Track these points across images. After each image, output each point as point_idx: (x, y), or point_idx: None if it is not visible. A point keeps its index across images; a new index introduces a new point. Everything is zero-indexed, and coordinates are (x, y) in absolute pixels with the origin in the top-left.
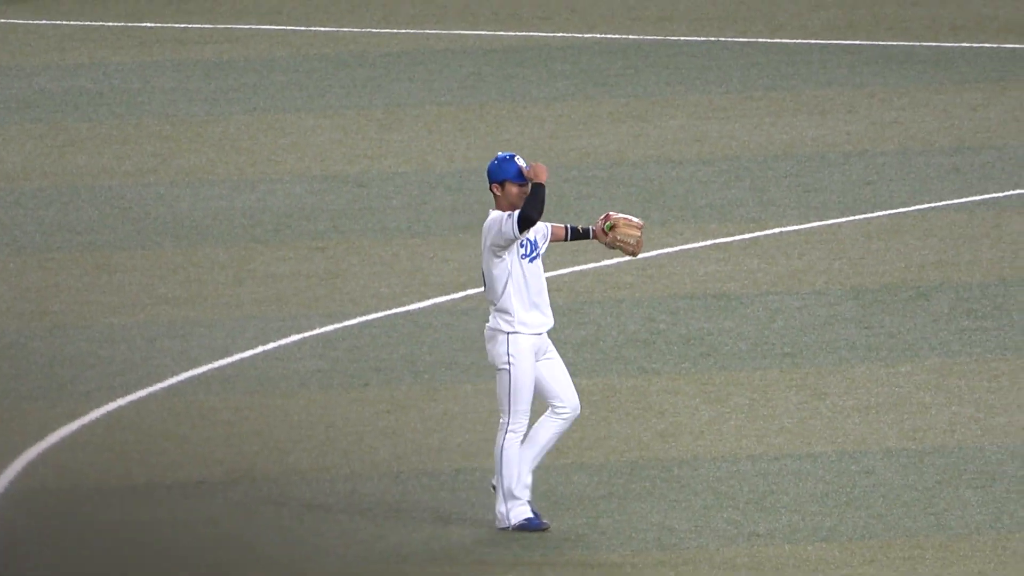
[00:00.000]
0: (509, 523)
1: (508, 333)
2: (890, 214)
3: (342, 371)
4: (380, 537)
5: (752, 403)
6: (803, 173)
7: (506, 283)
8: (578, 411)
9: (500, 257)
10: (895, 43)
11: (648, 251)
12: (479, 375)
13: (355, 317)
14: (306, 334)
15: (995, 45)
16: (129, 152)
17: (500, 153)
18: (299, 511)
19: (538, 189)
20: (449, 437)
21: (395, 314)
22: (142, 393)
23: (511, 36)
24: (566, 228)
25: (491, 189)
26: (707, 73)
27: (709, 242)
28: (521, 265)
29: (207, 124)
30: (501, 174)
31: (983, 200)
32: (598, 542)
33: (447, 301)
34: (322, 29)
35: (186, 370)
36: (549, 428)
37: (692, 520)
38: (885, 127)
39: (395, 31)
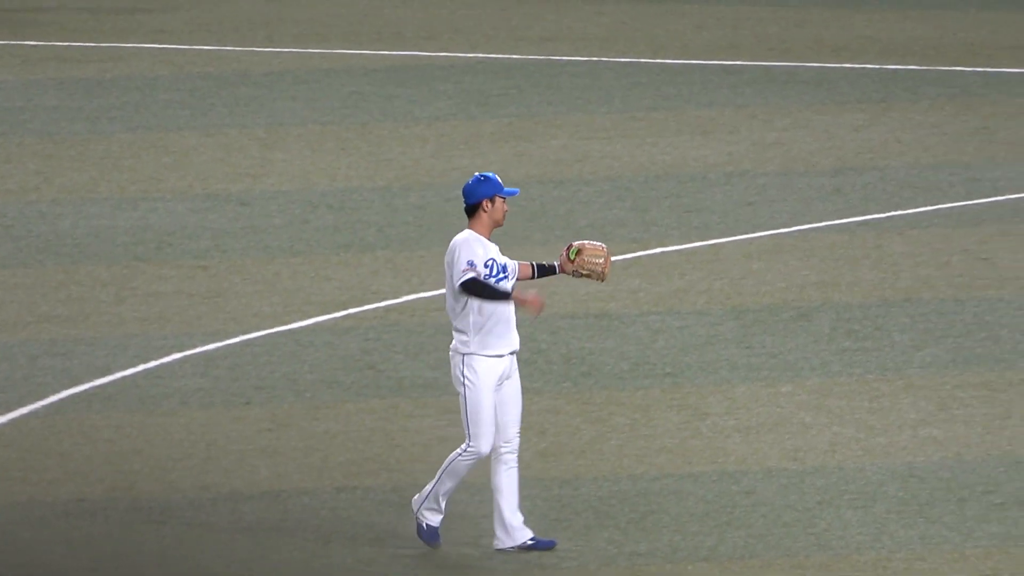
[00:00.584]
0: (423, 520)
1: (464, 354)
2: (771, 234)
3: (223, 389)
4: (261, 556)
5: (633, 423)
6: (685, 193)
7: (465, 304)
8: (517, 445)
9: (500, 261)
10: (777, 64)
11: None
12: (360, 394)
13: (237, 336)
14: (188, 352)
15: (877, 66)
16: (11, 170)
17: (478, 174)
18: (180, 530)
19: (502, 295)
20: (330, 456)
21: (277, 333)
22: (23, 411)
23: (393, 55)
24: (532, 266)
25: (480, 205)
26: (589, 93)
27: None
28: None
29: (89, 142)
30: (494, 188)
31: (864, 221)
32: (479, 561)
33: (328, 320)
34: (205, 48)
35: (67, 388)
36: (508, 477)
37: (573, 540)
38: (767, 148)
39: (278, 50)
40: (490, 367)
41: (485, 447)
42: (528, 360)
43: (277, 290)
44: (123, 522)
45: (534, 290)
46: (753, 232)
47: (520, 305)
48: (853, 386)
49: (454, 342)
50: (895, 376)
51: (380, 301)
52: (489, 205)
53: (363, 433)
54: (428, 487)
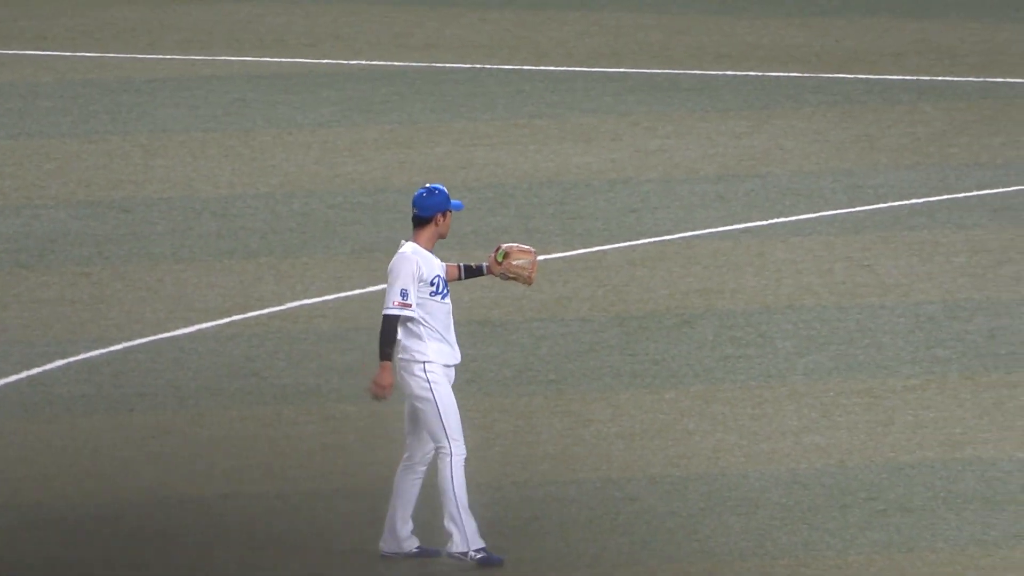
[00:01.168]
0: (469, 547)
1: (424, 362)
2: (654, 241)
3: (107, 396)
4: (145, 563)
5: (516, 429)
6: (568, 200)
7: (415, 322)
8: (430, 459)
9: (431, 287)
10: (660, 71)
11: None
12: (243, 401)
13: (120, 343)
14: (71, 359)
15: (759, 74)
16: None
17: (432, 185)
18: (63, 537)
19: (386, 355)
20: (215, 463)
21: (160, 339)
22: None
23: (276, 62)
24: (459, 267)
25: (433, 218)
26: (473, 100)
27: None
28: (432, 301)
29: None
30: (447, 202)
31: (747, 228)
32: (362, 569)
33: (212, 327)
34: (87, 55)
35: None
36: (413, 486)
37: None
38: (650, 155)
39: (160, 57)
40: (446, 374)
41: (463, 442)
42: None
43: (160, 297)
44: (6, 529)
45: (390, 379)
46: (636, 239)
47: (376, 377)
48: (736, 393)
49: (406, 354)
50: (778, 383)
51: (263, 308)
52: (441, 219)
53: (247, 440)
54: (458, 523)
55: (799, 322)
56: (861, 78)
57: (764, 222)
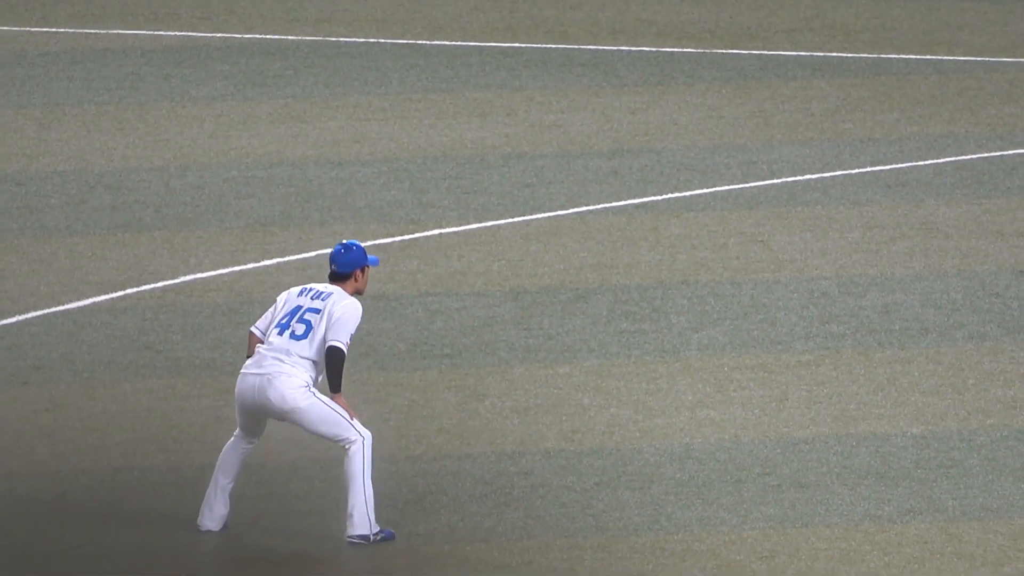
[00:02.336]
0: (372, 532)
1: (307, 384)
2: (549, 216)
3: (0, 369)
4: (38, 537)
5: (411, 404)
6: (462, 175)
7: (323, 350)
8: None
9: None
10: (554, 46)
11: (307, 252)
12: (137, 374)
13: (13, 315)
14: None
15: (654, 49)
16: None
17: (348, 241)
18: None
19: (336, 385)
20: (108, 436)
21: (53, 313)
22: None
23: (170, 36)
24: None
25: (352, 274)
26: (367, 74)
27: (368, 243)
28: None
29: None
30: (365, 260)
31: (641, 203)
32: (257, 540)
33: (105, 300)
34: None
35: None
36: (240, 464)
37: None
38: (544, 130)
39: (54, 30)
40: None
41: (364, 430)
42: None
43: (54, 270)
44: None
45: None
46: (531, 214)
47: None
48: (631, 368)
49: (293, 368)
50: (672, 358)
51: (157, 281)
52: (360, 274)
53: (140, 413)
54: (362, 506)
55: (693, 297)
56: (755, 54)
57: (658, 197)
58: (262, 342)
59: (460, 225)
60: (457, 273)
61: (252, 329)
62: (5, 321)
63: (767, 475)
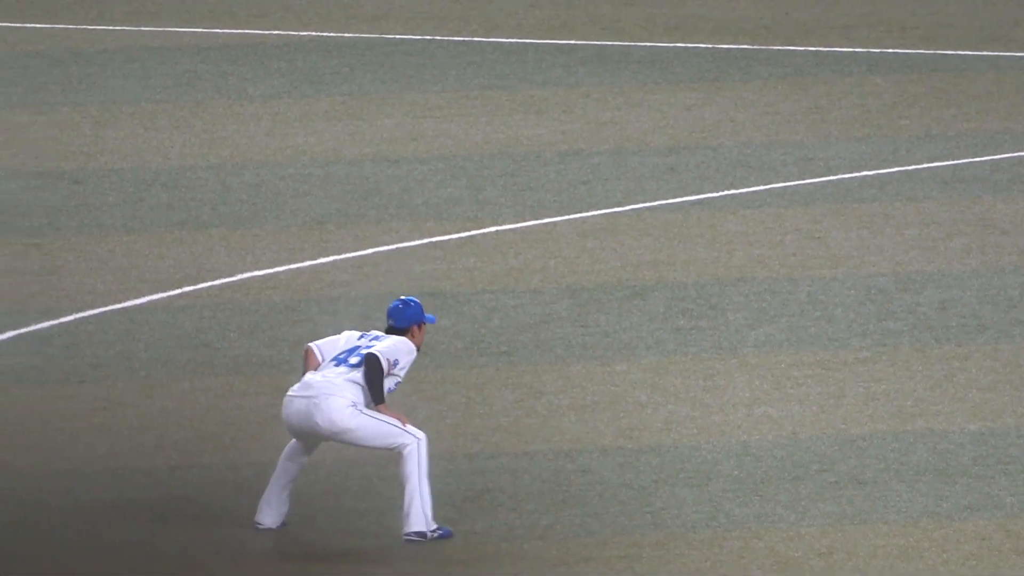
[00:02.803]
0: (429, 530)
1: (354, 404)
2: (605, 213)
3: (58, 368)
4: (96, 535)
5: (468, 401)
6: (519, 172)
7: (386, 389)
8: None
9: (399, 377)
10: (610, 43)
11: (364, 250)
12: (195, 372)
13: (71, 314)
14: (22, 330)
15: (709, 46)
16: None
17: (407, 297)
18: (13, 508)
19: (379, 395)
20: (165, 434)
21: (111, 311)
22: None
23: (227, 34)
24: None
25: (409, 329)
26: (423, 72)
27: (425, 240)
28: (389, 379)
29: None
30: (422, 316)
31: (698, 200)
32: (314, 539)
33: (163, 298)
34: (37, 26)
35: None
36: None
37: None
38: (601, 127)
39: (110, 28)
40: None
41: (418, 432)
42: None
43: (111, 268)
44: None
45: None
46: (588, 211)
47: (391, 419)
48: (688, 365)
49: (340, 389)
50: (730, 355)
51: (214, 279)
52: (416, 330)
53: (198, 411)
54: (418, 503)
55: (750, 294)
56: (811, 50)
57: (715, 194)
58: (316, 363)
59: (517, 222)
60: (514, 270)
61: (311, 346)
62: (63, 319)
63: (825, 472)
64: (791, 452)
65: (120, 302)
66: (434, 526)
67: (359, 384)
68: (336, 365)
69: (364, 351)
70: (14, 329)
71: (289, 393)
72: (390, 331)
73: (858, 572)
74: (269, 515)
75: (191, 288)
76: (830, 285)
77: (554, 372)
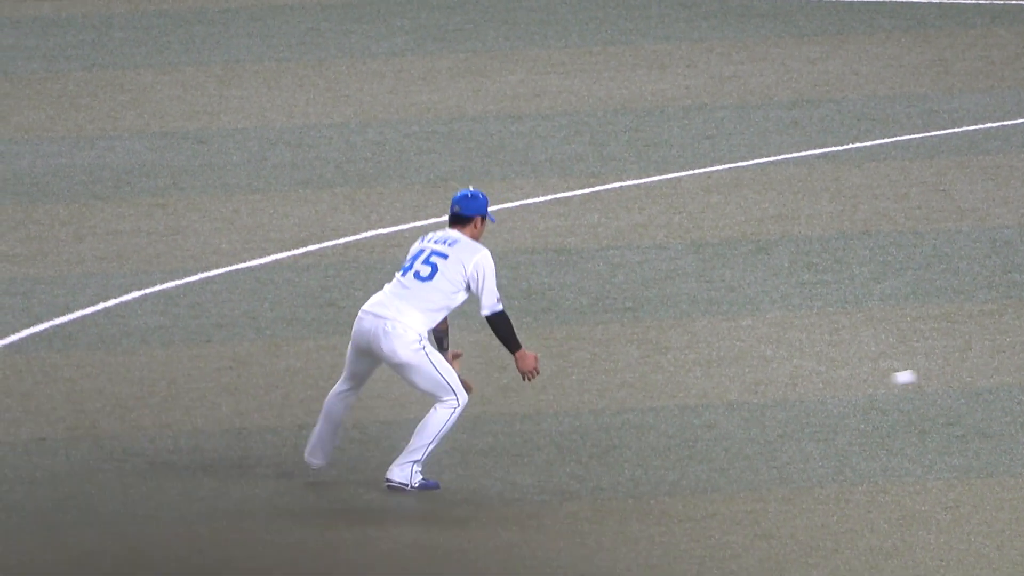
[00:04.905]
0: (411, 484)
1: (420, 334)
2: (729, 168)
3: (184, 327)
4: (223, 494)
5: (594, 357)
6: (642, 127)
7: (446, 307)
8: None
9: (468, 292)
10: None
11: (489, 206)
12: (320, 331)
13: (196, 273)
14: (147, 291)
15: None
16: None
17: (473, 190)
18: (141, 468)
19: (515, 345)
20: (291, 393)
21: (236, 270)
22: None
23: None
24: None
25: (472, 219)
26: (546, 28)
27: (549, 197)
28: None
29: (46, 81)
30: (486, 210)
31: (822, 154)
32: (442, 497)
33: (288, 257)
34: None
35: (27, 327)
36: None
37: (535, 475)
38: (724, 81)
39: None
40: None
41: (463, 394)
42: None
43: (236, 227)
44: (84, 461)
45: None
46: (711, 166)
47: (525, 365)
48: (813, 319)
49: (410, 317)
50: (855, 309)
51: (339, 238)
52: (480, 222)
53: (324, 370)
54: (416, 456)
55: (875, 247)
56: (935, 2)
57: (839, 148)
58: None
59: (641, 178)
60: (638, 226)
61: None
62: (188, 279)
63: (951, 425)
64: (917, 406)
65: (245, 261)
66: (415, 483)
67: (429, 308)
68: (404, 273)
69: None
70: (140, 289)
71: (363, 307)
72: (453, 219)
73: (985, 525)
74: (322, 455)
75: (316, 247)
76: (955, 237)
77: (679, 328)
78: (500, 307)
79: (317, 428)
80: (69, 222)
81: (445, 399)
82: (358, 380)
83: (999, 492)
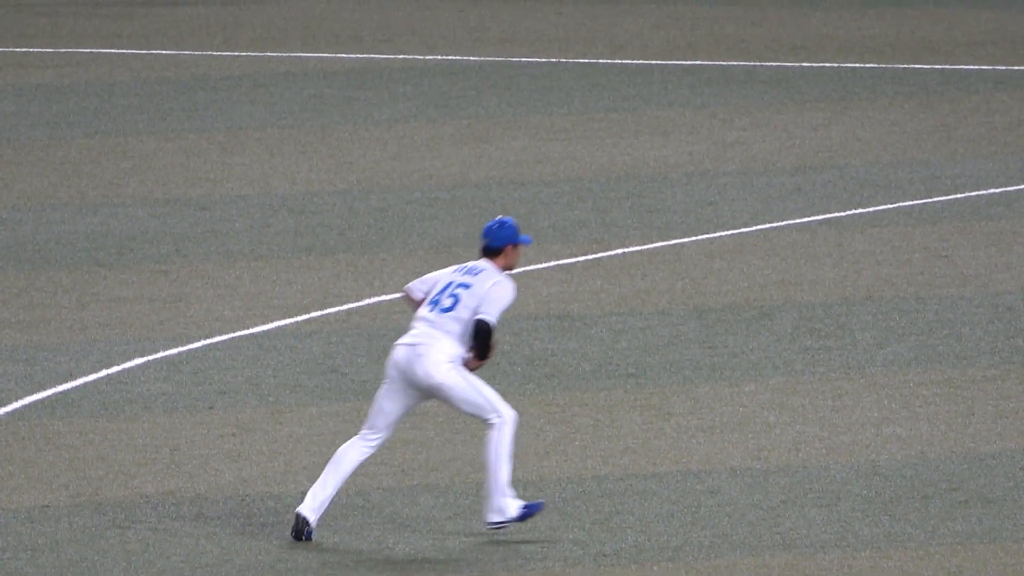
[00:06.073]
0: (507, 516)
1: (452, 360)
2: (732, 234)
3: (187, 394)
4: (226, 560)
5: (597, 423)
6: (645, 194)
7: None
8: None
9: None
10: (736, 63)
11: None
12: (323, 397)
13: (199, 340)
14: (150, 357)
15: (835, 64)
16: None
17: (502, 218)
18: (145, 535)
19: (489, 351)
20: (294, 459)
21: (239, 337)
22: None
23: (351, 59)
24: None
25: (503, 249)
26: (549, 95)
27: (552, 263)
28: None
29: (49, 148)
30: (517, 237)
31: (825, 219)
32: (444, 565)
33: (290, 324)
34: (163, 52)
35: (30, 394)
36: (360, 458)
37: (538, 541)
38: (727, 147)
39: (236, 54)
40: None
41: (506, 411)
42: (491, 362)
43: (239, 294)
44: (87, 527)
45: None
46: (714, 232)
47: (472, 364)
48: (816, 385)
49: (440, 343)
50: (858, 374)
51: (342, 304)
52: (511, 251)
53: (327, 436)
54: (497, 492)
55: (878, 313)
56: (937, 68)
57: (842, 213)
58: (419, 303)
59: (644, 244)
60: (641, 292)
61: (408, 287)
62: (191, 346)
63: (954, 491)
64: (920, 471)
65: (248, 328)
66: (514, 514)
67: (457, 334)
68: (431, 309)
69: (459, 291)
70: (143, 356)
71: (395, 343)
72: (484, 251)
73: None
74: (318, 509)
75: (319, 313)
76: (958, 303)
77: (682, 393)
78: (494, 322)
79: (321, 480)
80: (72, 289)
81: (489, 419)
82: (383, 426)
83: (1002, 557)
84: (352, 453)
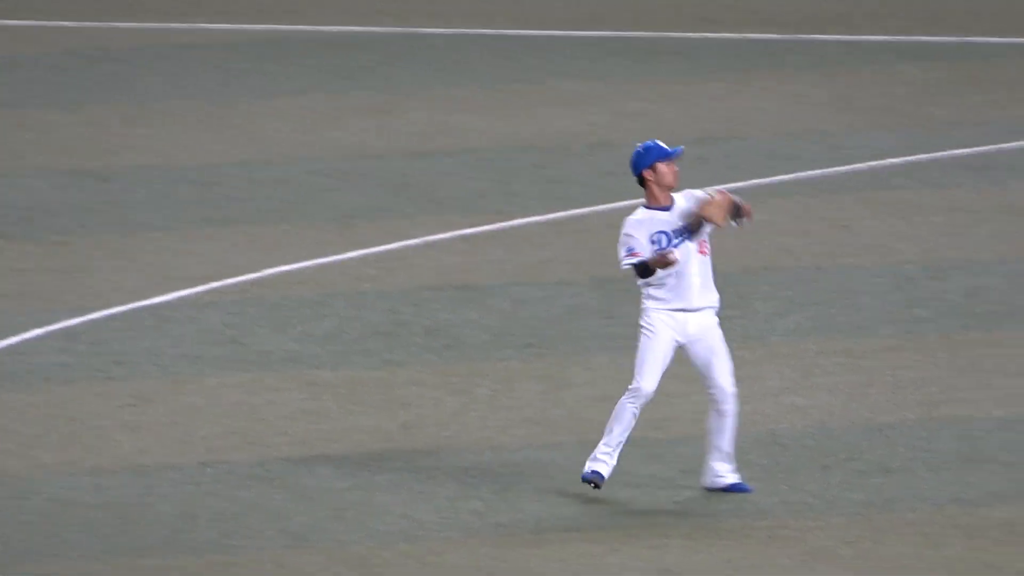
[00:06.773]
0: (596, 476)
1: (643, 308)
2: (634, 204)
3: (85, 365)
4: (123, 531)
5: (495, 394)
6: (547, 164)
7: (643, 280)
8: (727, 396)
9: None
10: (639, 34)
11: (392, 243)
12: (223, 368)
13: (99, 311)
14: (49, 328)
15: (737, 35)
16: None
17: (640, 145)
18: (43, 505)
19: (666, 263)
20: (193, 430)
21: (139, 307)
22: None
23: (255, 29)
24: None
25: (644, 177)
26: (451, 66)
27: (453, 233)
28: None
29: None
30: (649, 158)
31: (727, 190)
32: (343, 534)
33: (190, 294)
34: (66, 24)
35: None
36: (715, 422)
37: (437, 511)
38: (629, 118)
39: (139, 25)
40: (662, 319)
41: (647, 385)
42: (390, 333)
43: (139, 265)
44: None
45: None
46: (616, 202)
47: (664, 262)
48: None
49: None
50: (757, 344)
51: (242, 275)
52: (651, 174)
53: (226, 407)
54: (604, 449)
55: (777, 283)
56: (840, 39)
57: (743, 183)
58: None
59: (545, 214)
60: (542, 262)
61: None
62: (90, 316)
63: (852, 460)
64: (819, 441)
65: (148, 298)
66: (601, 473)
67: (638, 285)
68: None
69: None
70: (42, 327)
71: None
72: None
73: (886, 560)
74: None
75: (219, 284)
76: (857, 274)
77: (581, 364)
78: (626, 267)
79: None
80: None
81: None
82: (707, 382)
83: (900, 527)
84: (710, 417)
